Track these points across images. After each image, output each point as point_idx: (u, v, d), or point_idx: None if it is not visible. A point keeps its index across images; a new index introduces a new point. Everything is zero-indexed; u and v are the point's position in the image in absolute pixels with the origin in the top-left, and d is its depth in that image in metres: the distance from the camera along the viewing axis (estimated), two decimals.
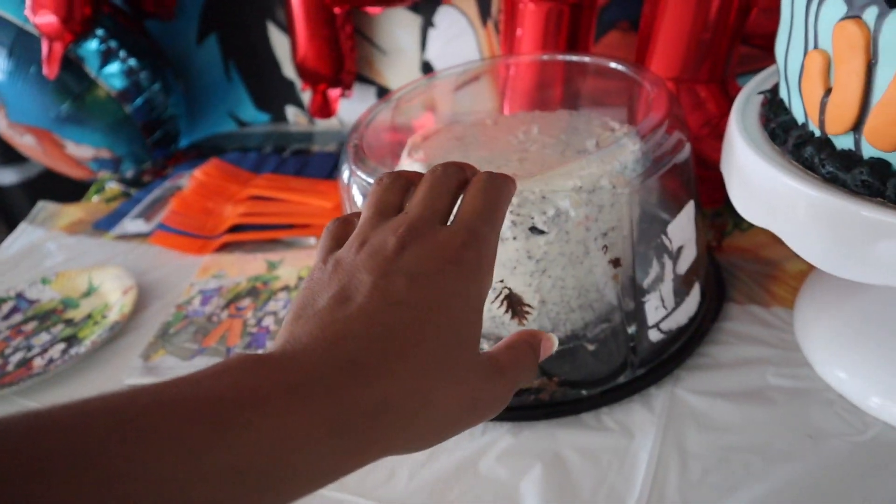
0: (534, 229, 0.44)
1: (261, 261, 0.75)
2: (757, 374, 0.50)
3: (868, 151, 0.38)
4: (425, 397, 0.27)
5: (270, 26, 0.98)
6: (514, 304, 0.47)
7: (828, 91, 0.39)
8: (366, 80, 0.96)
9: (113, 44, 0.91)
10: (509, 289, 0.46)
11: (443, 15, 0.86)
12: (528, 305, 0.47)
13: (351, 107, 0.97)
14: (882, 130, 0.36)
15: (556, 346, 0.34)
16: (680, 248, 0.50)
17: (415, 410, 0.27)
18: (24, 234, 0.90)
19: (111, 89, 0.92)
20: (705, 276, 0.55)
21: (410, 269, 0.29)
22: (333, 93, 0.92)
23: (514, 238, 0.45)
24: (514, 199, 0.44)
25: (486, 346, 0.51)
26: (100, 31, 0.90)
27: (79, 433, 0.20)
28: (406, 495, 0.46)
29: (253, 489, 0.23)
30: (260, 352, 0.27)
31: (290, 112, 1.06)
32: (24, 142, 0.99)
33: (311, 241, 0.78)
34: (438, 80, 0.63)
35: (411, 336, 0.28)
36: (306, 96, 1.01)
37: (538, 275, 0.46)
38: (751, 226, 0.52)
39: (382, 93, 0.95)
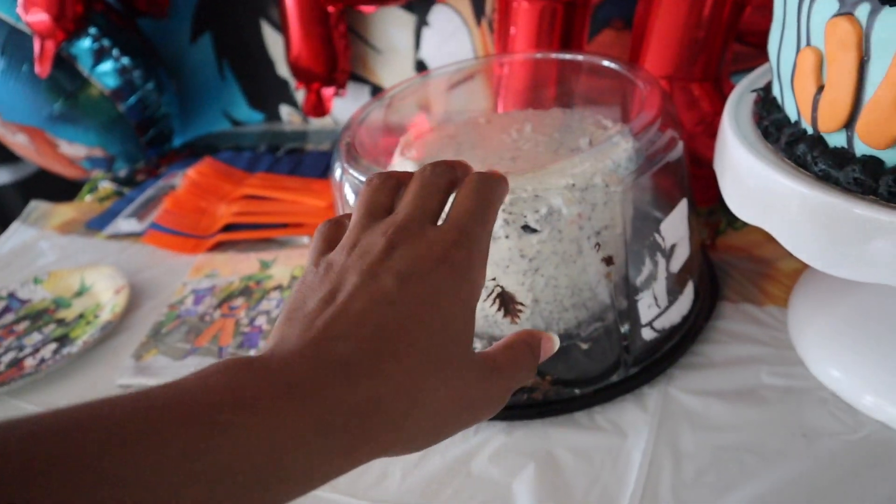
0: (526, 228, 0.44)
1: (254, 260, 0.75)
2: (751, 373, 0.50)
3: (860, 149, 0.37)
4: (416, 397, 0.27)
5: (264, 25, 0.98)
6: (507, 303, 0.47)
7: (820, 88, 0.39)
8: (360, 78, 0.96)
9: (106, 42, 0.90)
10: (502, 287, 0.46)
11: (437, 14, 0.86)
12: (521, 304, 0.47)
13: (345, 106, 0.97)
14: (874, 128, 0.36)
15: (556, 346, 0.33)
16: (673, 247, 0.50)
17: (406, 410, 0.27)
18: (17, 234, 0.90)
19: (104, 88, 0.92)
20: (699, 275, 0.55)
21: (400, 269, 0.29)
22: (327, 92, 0.92)
23: (507, 237, 0.44)
24: (507, 198, 0.43)
25: (479, 345, 0.51)
26: (92, 30, 0.89)
27: (71, 440, 0.21)
28: (398, 495, 0.46)
29: (246, 490, 0.23)
30: (251, 353, 0.27)
31: (284, 111, 1.06)
32: (17, 141, 0.98)
33: (305, 240, 0.77)
34: (432, 79, 0.63)
35: (402, 336, 0.28)
36: (300, 95, 1.01)
37: (531, 273, 0.46)
38: (745, 224, 0.52)
39: (376, 92, 0.95)
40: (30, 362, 0.65)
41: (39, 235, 0.89)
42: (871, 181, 0.37)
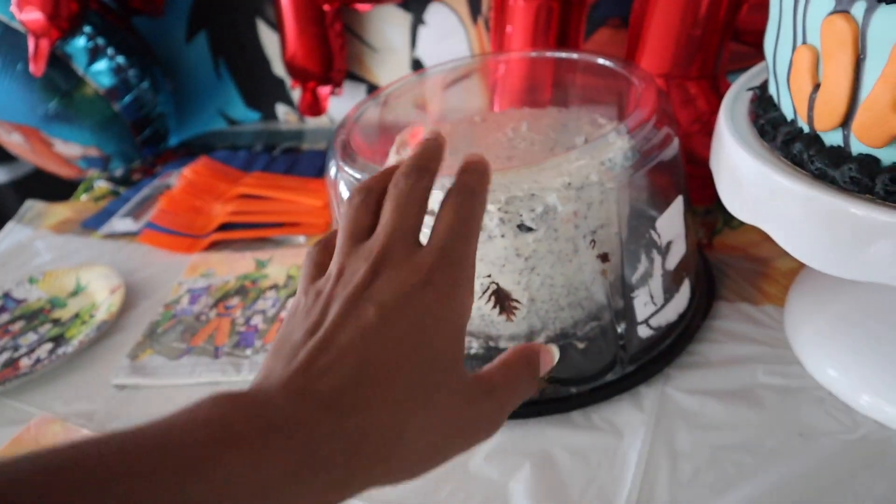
0: (522, 226, 0.44)
1: (250, 259, 0.75)
2: (747, 373, 0.50)
3: (857, 147, 0.37)
4: (403, 428, 0.27)
5: (260, 23, 0.98)
6: (502, 300, 0.46)
7: (816, 87, 0.38)
8: (356, 77, 0.96)
9: (101, 41, 0.90)
10: (497, 283, 0.46)
11: (433, 12, 0.86)
12: (516, 300, 0.46)
13: (341, 105, 0.97)
14: (870, 126, 0.36)
15: (556, 359, 0.33)
16: (669, 244, 0.50)
17: (393, 442, 0.27)
18: (12, 233, 0.90)
19: (99, 87, 0.92)
20: (695, 274, 0.55)
21: (381, 297, 0.29)
22: (323, 91, 0.92)
23: (503, 236, 0.44)
24: (502, 197, 0.43)
25: (475, 344, 0.51)
26: (87, 28, 0.89)
27: (55, 484, 0.21)
28: (395, 495, 0.46)
29: None
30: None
31: (281, 110, 1.05)
32: (12, 140, 0.98)
33: (301, 239, 0.77)
34: (428, 77, 0.63)
35: (386, 366, 0.27)
36: (296, 94, 1.01)
37: (527, 272, 0.46)
38: (741, 223, 0.52)
39: (372, 90, 0.95)
40: (25, 362, 0.65)
41: (35, 235, 0.88)
42: (867, 180, 0.37)
